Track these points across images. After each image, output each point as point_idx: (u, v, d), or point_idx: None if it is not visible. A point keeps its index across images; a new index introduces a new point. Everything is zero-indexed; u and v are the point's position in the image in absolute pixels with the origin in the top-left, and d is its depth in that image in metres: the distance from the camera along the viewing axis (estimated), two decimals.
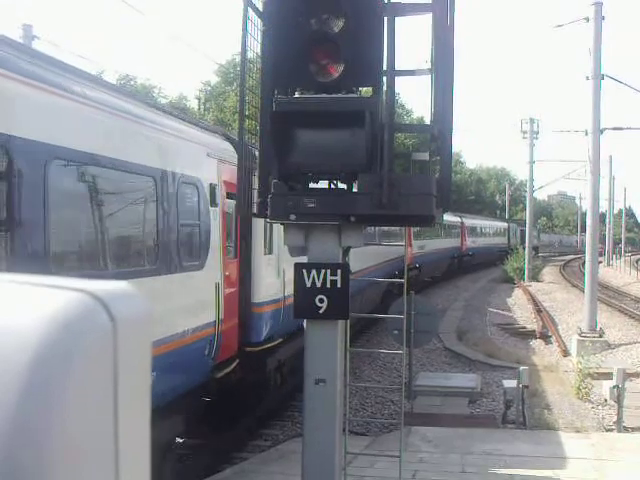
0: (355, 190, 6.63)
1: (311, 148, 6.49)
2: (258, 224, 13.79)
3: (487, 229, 78.45)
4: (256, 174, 12.32)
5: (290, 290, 15.37)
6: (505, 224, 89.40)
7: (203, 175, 11.91)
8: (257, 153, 13.33)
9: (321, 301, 6.67)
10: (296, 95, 6.62)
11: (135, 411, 1.06)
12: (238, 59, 52.14)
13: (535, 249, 73.60)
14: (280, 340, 15.01)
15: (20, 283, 1.03)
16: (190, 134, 11.96)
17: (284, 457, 12.53)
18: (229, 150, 13.19)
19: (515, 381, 16.43)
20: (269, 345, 14.41)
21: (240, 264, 13.67)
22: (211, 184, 12.21)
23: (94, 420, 0.96)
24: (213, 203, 12.23)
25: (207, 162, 12.26)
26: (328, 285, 6.66)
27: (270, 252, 14.83)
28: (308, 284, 6.67)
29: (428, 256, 43.27)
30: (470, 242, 65.08)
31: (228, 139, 13.90)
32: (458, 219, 59.28)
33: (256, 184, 12.31)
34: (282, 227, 14.18)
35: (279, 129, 6.50)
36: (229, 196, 12.87)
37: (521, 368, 16.88)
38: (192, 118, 14.12)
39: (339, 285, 6.68)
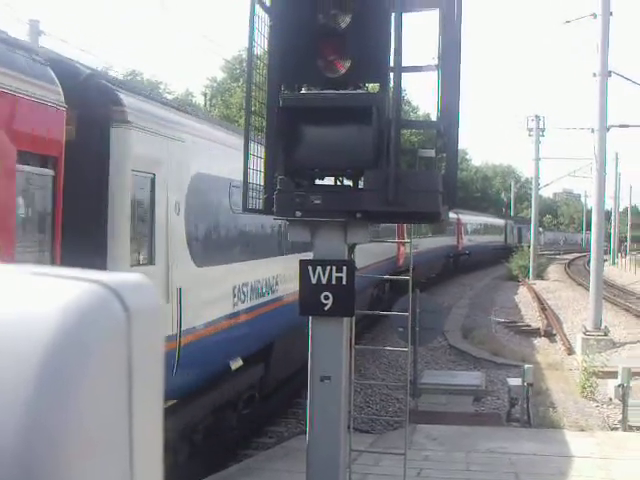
0: (361, 187, 6.61)
1: (317, 144, 6.47)
2: (119, 206, 9.22)
3: (484, 226, 74.78)
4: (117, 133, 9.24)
5: (196, 321, 10.64)
6: (502, 221, 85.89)
7: None
8: (122, 96, 9.46)
9: (326, 298, 6.65)
10: (303, 91, 6.60)
11: (149, 403, 1.07)
12: (244, 55, 52.18)
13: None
14: (174, 401, 10.31)
15: (33, 274, 1.03)
16: None
17: (289, 454, 12.51)
18: (32, 75, 8.07)
19: (520, 379, 16.41)
20: None
21: None
22: None
23: (109, 411, 0.97)
24: None
25: None
26: (333, 282, 6.64)
27: (149, 261, 9.89)
28: (314, 281, 6.64)
29: (422, 256, 38.36)
30: (467, 240, 61.83)
31: (47, 61, 8.65)
32: (454, 215, 53.65)
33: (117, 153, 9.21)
34: (174, 220, 10.31)
35: (285, 125, 6.47)
36: (26, 159, 7.86)
37: (526, 366, 16.86)
38: None
39: (344, 282, 6.65)
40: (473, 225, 67.69)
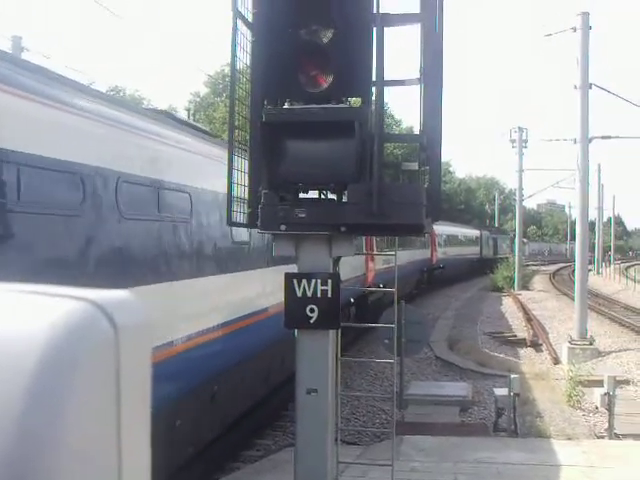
0: (345, 200, 6.65)
1: (301, 159, 6.51)
2: None
3: (459, 238, 71.68)
4: None
5: None
6: (477, 232, 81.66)
7: None
8: None
9: (312, 311, 6.68)
10: (285, 106, 6.65)
11: (136, 415, 1.09)
12: (227, 70, 52.28)
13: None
14: None
15: (22, 292, 1.05)
16: None
17: (277, 467, 12.49)
18: None
19: (506, 389, 16.42)
20: None
21: None
22: None
23: (98, 423, 0.99)
24: None
25: None
26: (319, 295, 6.68)
27: None
28: (299, 294, 6.68)
29: (394, 272, 33.07)
30: (441, 253, 58.94)
31: None
32: None
33: None
34: None
35: (269, 140, 6.52)
36: None
37: (512, 376, 16.87)
38: None
39: (329, 295, 6.69)
40: (447, 237, 64.84)
